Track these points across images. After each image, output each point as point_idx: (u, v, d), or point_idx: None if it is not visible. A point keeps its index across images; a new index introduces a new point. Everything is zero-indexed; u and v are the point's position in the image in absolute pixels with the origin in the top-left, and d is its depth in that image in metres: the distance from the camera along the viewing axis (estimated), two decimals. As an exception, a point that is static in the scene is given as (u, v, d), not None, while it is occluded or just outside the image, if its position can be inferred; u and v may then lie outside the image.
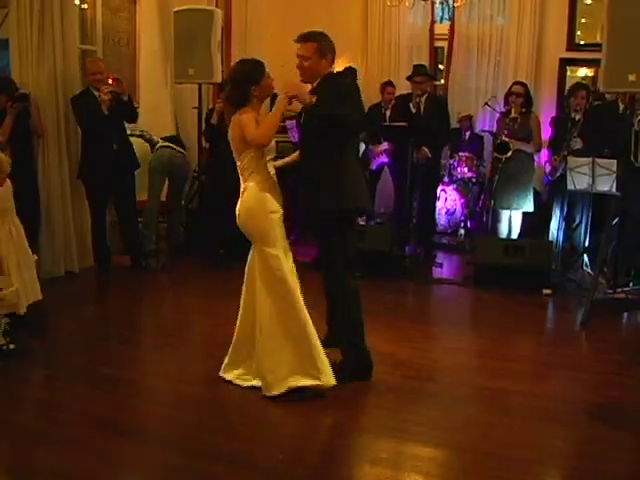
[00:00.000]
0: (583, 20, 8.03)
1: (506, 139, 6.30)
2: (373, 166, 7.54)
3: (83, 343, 4.40)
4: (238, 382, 3.75)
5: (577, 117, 6.14)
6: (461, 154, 7.72)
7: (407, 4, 7.14)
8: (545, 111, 7.48)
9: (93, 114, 5.67)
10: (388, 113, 7.32)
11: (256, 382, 3.67)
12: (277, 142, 3.89)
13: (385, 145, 7.31)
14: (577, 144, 6.04)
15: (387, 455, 3.10)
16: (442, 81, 8.57)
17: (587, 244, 6.00)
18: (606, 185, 5.33)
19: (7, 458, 3.00)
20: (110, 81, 5.83)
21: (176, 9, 6.68)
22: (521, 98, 6.32)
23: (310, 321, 3.61)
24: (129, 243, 6.24)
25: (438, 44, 8.55)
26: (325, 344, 3.96)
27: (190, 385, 3.80)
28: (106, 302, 5.53)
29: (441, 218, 7.77)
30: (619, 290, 5.47)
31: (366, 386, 3.82)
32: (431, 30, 8.45)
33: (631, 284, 5.58)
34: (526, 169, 6.41)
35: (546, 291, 5.73)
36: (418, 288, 6.17)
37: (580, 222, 6.24)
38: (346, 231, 3.78)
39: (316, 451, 3.14)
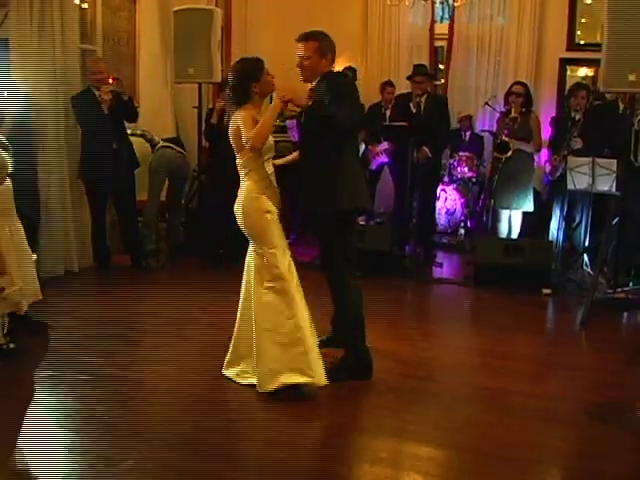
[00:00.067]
0: (583, 20, 8.03)
1: (506, 139, 6.30)
2: (373, 166, 7.53)
3: (83, 342, 4.39)
4: (238, 380, 3.77)
5: (577, 117, 6.14)
6: (461, 154, 7.71)
7: (407, 3, 7.14)
8: (545, 111, 7.48)
9: (93, 114, 5.66)
10: (388, 113, 7.32)
11: (254, 380, 3.69)
12: (277, 142, 3.90)
13: (385, 145, 7.30)
14: (577, 144, 6.04)
15: (387, 454, 3.10)
16: (442, 81, 8.57)
17: (587, 244, 6.00)
18: (606, 185, 5.33)
19: (7, 458, 3.00)
20: (110, 81, 5.83)
21: (176, 9, 6.68)
22: (521, 98, 6.32)
23: (307, 320, 3.63)
24: (129, 243, 6.24)
25: (438, 44, 8.55)
26: (327, 343, 3.98)
27: (190, 385, 3.80)
28: (106, 301, 5.52)
29: (441, 218, 7.77)
30: (619, 290, 5.47)
31: (366, 385, 3.83)
32: (431, 30, 8.44)
33: (631, 284, 5.58)
34: (526, 169, 6.41)
35: (546, 291, 5.73)
36: (418, 288, 6.17)
37: (580, 222, 6.24)
38: (346, 231, 3.78)
39: (316, 450, 3.14)
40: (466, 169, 7.67)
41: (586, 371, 4.15)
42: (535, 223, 6.74)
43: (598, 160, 5.36)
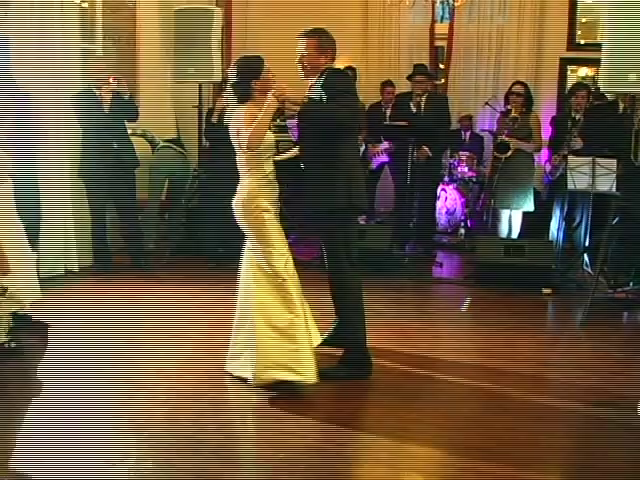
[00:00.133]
0: (583, 20, 8.03)
1: (506, 139, 6.30)
2: (373, 165, 7.54)
3: (83, 342, 4.39)
4: (237, 374, 3.80)
5: (577, 117, 6.14)
6: (461, 153, 7.72)
7: (407, 3, 7.15)
8: (545, 111, 7.48)
9: (94, 113, 5.66)
10: (388, 112, 7.32)
11: (249, 374, 3.72)
12: (278, 141, 3.90)
13: (385, 144, 7.31)
14: (577, 144, 6.04)
15: (387, 454, 3.10)
16: (442, 80, 8.57)
17: (587, 244, 6.00)
18: (606, 185, 5.33)
19: (7, 458, 3.00)
20: (111, 80, 5.83)
21: (176, 8, 6.70)
22: (521, 98, 6.32)
23: (302, 317, 3.66)
24: (129, 242, 6.24)
25: (438, 43, 8.54)
26: (328, 342, 3.99)
27: (190, 384, 3.80)
28: (106, 301, 5.52)
29: (441, 217, 7.77)
30: (619, 290, 5.47)
31: (366, 385, 3.83)
32: (431, 29, 8.44)
33: (631, 284, 5.58)
34: (526, 169, 6.42)
35: (546, 291, 5.73)
36: (418, 287, 6.17)
37: (580, 222, 6.24)
38: (345, 229, 3.79)
39: (316, 450, 3.14)
40: (466, 169, 7.67)
41: (586, 371, 4.15)
42: (535, 223, 6.74)
43: (598, 160, 5.35)
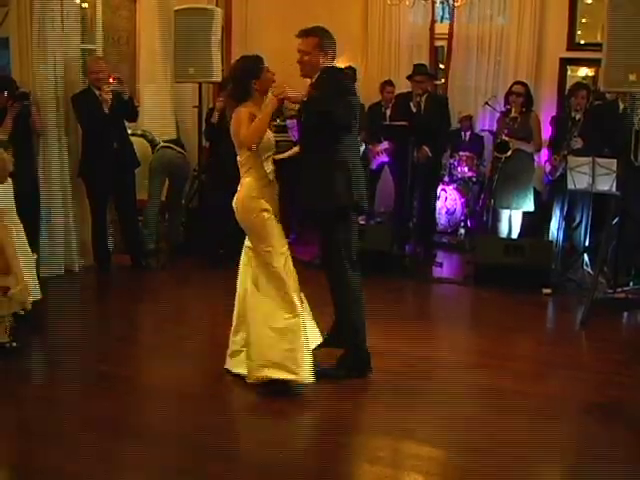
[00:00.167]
0: (583, 20, 8.02)
1: (506, 138, 6.30)
2: (373, 165, 7.54)
3: (83, 342, 4.39)
4: (236, 371, 3.81)
5: (577, 117, 6.13)
6: (461, 153, 7.71)
7: (407, 3, 7.14)
8: (545, 111, 7.47)
9: (94, 113, 5.66)
10: (388, 112, 7.32)
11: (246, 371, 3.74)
12: (277, 141, 3.91)
13: (385, 144, 7.30)
14: (577, 144, 6.03)
15: (386, 454, 3.10)
16: (442, 80, 8.57)
17: (587, 244, 6.00)
18: (606, 185, 5.33)
19: (7, 457, 3.00)
20: (111, 80, 5.82)
21: (176, 8, 6.68)
22: (521, 98, 6.32)
23: (300, 317, 3.67)
24: (129, 242, 6.23)
25: (438, 43, 8.53)
26: (327, 342, 4.00)
27: (190, 384, 3.81)
28: (106, 301, 5.53)
29: (441, 217, 7.77)
30: (619, 290, 5.46)
31: (366, 385, 3.83)
32: (431, 29, 8.43)
33: (631, 284, 5.57)
34: (526, 168, 6.41)
35: (546, 290, 5.73)
36: (418, 287, 6.17)
37: (580, 222, 6.24)
38: (345, 228, 3.79)
39: (316, 450, 3.14)
40: (466, 169, 7.66)
41: (586, 371, 4.15)
42: (535, 223, 6.74)
43: (598, 160, 5.35)
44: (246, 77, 3.67)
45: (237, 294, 3.85)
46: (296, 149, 4.00)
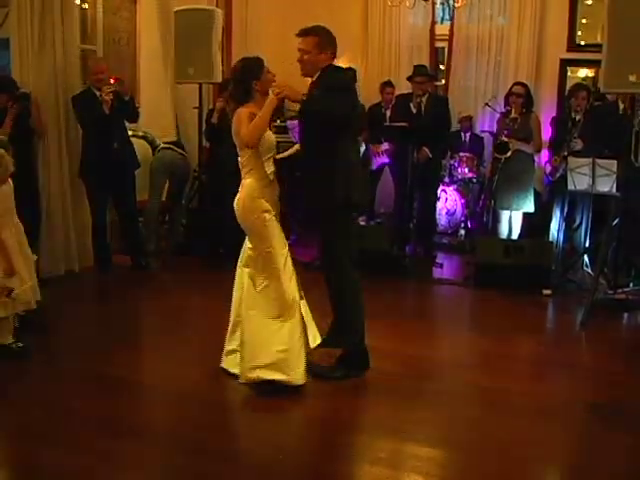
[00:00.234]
0: (584, 20, 8.03)
1: (505, 139, 6.30)
2: (374, 166, 7.54)
3: (83, 342, 4.40)
4: (232, 371, 3.83)
5: (577, 117, 6.13)
6: (462, 154, 7.72)
7: (407, 4, 7.14)
8: (545, 111, 7.48)
9: (94, 113, 5.66)
10: (388, 113, 7.32)
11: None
12: (278, 142, 3.91)
13: (385, 145, 7.31)
14: (577, 145, 6.04)
15: (387, 454, 3.10)
16: (442, 81, 8.58)
17: (587, 244, 6.00)
18: (606, 186, 5.33)
19: (7, 457, 3.00)
20: (112, 81, 5.83)
21: (176, 9, 6.69)
22: (521, 98, 6.32)
23: (297, 319, 3.68)
24: (129, 243, 6.23)
25: (438, 44, 8.54)
26: (327, 343, 4.00)
27: (190, 385, 3.80)
28: (106, 301, 5.53)
29: (441, 218, 7.77)
30: (619, 290, 5.46)
31: (366, 385, 3.83)
32: (431, 30, 8.44)
33: (631, 285, 5.57)
34: (526, 169, 6.41)
35: (546, 291, 5.73)
36: (418, 288, 6.18)
37: (580, 223, 6.24)
38: (345, 227, 3.79)
39: (316, 450, 3.14)
40: (466, 170, 7.67)
41: (586, 371, 4.16)
42: (535, 224, 6.74)
43: (598, 161, 5.35)
44: (247, 78, 3.69)
45: (234, 293, 3.87)
46: (297, 147, 4.01)
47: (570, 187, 5.57)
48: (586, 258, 5.87)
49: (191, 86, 7.03)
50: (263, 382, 3.61)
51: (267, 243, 3.68)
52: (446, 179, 7.76)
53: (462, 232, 7.73)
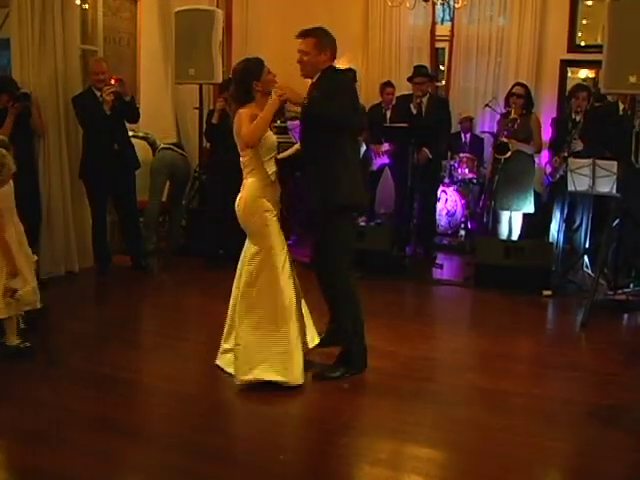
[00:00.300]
0: (584, 21, 8.03)
1: (505, 140, 6.30)
2: (374, 166, 7.54)
3: (83, 343, 4.40)
4: (227, 370, 3.84)
5: (578, 118, 6.13)
6: (462, 155, 7.72)
7: (408, 5, 7.14)
8: (546, 112, 7.48)
9: (94, 114, 5.66)
10: (388, 114, 7.32)
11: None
12: (279, 142, 3.92)
13: (386, 146, 7.31)
14: (578, 145, 6.04)
15: (387, 456, 3.10)
16: (443, 82, 8.58)
17: (587, 245, 6.00)
18: (607, 186, 5.33)
19: (8, 458, 3.00)
20: (113, 81, 5.83)
21: (177, 9, 6.69)
22: (521, 99, 6.32)
23: (294, 318, 3.70)
24: (130, 243, 6.23)
25: (439, 45, 8.55)
26: (324, 342, 4.01)
27: (190, 385, 3.81)
28: (106, 302, 5.53)
29: (442, 219, 7.77)
30: (619, 291, 5.46)
31: (365, 386, 3.83)
32: (432, 31, 8.45)
33: (631, 285, 5.57)
34: (526, 170, 6.41)
35: (546, 292, 5.73)
36: (418, 288, 6.17)
37: (580, 223, 6.24)
38: (345, 228, 3.80)
39: (316, 451, 3.14)
40: (467, 170, 7.67)
41: (586, 372, 4.15)
42: (535, 224, 6.74)
43: (599, 162, 5.35)
44: (247, 79, 3.70)
45: (233, 292, 3.88)
46: (297, 147, 4.02)
47: (570, 188, 5.56)
48: (586, 259, 5.86)
49: (191, 86, 7.04)
50: (260, 383, 3.62)
51: (268, 243, 3.69)
52: (446, 180, 7.77)
53: (462, 233, 7.74)
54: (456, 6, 7.60)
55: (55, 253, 5.77)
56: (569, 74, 8.17)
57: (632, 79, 4.89)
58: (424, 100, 6.67)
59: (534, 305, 5.57)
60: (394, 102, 7.28)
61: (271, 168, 3.76)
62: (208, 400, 3.66)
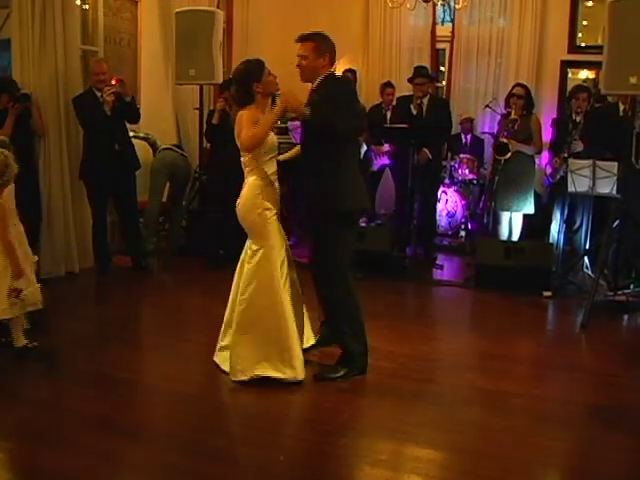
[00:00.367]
0: (584, 22, 8.04)
1: (505, 140, 6.30)
2: (375, 167, 7.55)
3: (83, 343, 4.40)
4: (223, 367, 3.86)
5: (578, 119, 6.13)
6: (462, 156, 7.72)
7: (408, 6, 7.15)
8: (546, 113, 7.49)
9: (95, 114, 5.66)
10: (389, 114, 7.33)
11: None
12: (279, 143, 3.93)
13: (386, 147, 7.32)
14: (578, 146, 6.04)
15: (387, 456, 3.10)
16: (443, 83, 8.58)
17: (588, 246, 6.00)
18: (607, 187, 5.33)
19: (8, 457, 3.00)
20: (114, 82, 5.83)
21: (177, 10, 6.70)
22: (522, 100, 6.32)
23: (292, 316, 3.72)
24: (130, 244, 6.24)
25: (439, 46, 8.55)
26: (322, 343, 4.02)
27: (190, 385, 3.81)
28: (106, 302, 5.53)
29: (442, 220, 7.78)
30: (619, 292, 5.46)
31: (366, 387, 3.83)
32: (432, 32, 8.45)
33: (631, 286, 5.58)
34: (526, 171, 6.41)
35: (546, 293, 5.73)
36: (418, 289, 6.17)
37: (581, 224, 6.24)
38: (346, 232, 3.80)
39: (316, 452, 3.14)
40: (467, 171, 7.67)
41: (586, 373, 4.15)
42: (536, 225, 6.74)
43: (599, 162, 5.35)
44: (248, 80, 3.72)
45: (232, 291, 3.90)
46: (297, 149, 4.03)
47: (570, 189, 5.56)
48: (586, 260, 5.87)
49: (192, 87, 7.04)
50: (260, 379, 3.65)
51: (267, 241, 3.72)
52: (446, 180, 7.77)
53: (462, 233, 7.74)
54: (456, 7, 7.61)
55: (55, 253, 5.78)
56: (569, 75, 8.18)
57: (632, 80, 4.89)
58: (424, 101, 6.67)
59: (534, 306, 5.57)
60: (394, 103, 7.29)
61: (271, 168, 3.78)
62: (208, 400, 3.66)
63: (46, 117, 5.68)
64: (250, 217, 3.73)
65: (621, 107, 6.25)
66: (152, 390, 3.82)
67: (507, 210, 6.49)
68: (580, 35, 8.02)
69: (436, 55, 8.56)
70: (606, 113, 6.40)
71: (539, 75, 8.05)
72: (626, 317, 5.34)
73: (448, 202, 7.77)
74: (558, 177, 6.22)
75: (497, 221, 6.60)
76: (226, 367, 3.82)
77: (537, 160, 6.73)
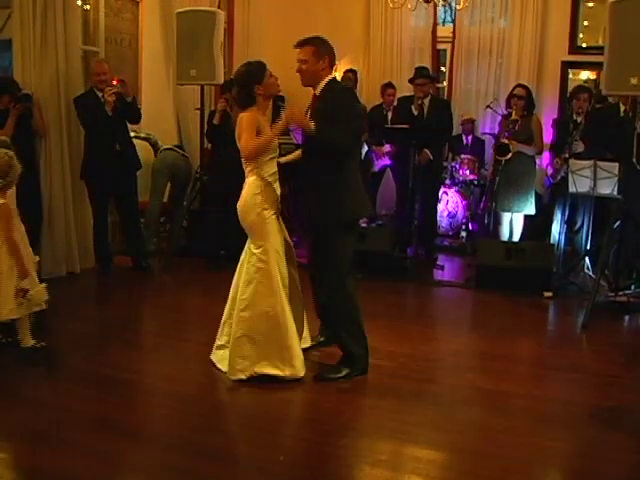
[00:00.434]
0: (585, 23, 8.04)
1: (505, 141, 6.30)
2: (376, 168, 7.55)
3: (84, 343, 4.40)
4: (219, 366, 3.89)
5: (579, 120, 6.13)
6: (463, 156, 7.72)
7: (409, 6, 7.15)
8: (547, 114, 7.49)
9: (96, 115, 5.67)
10: (390, 115, 7.33)
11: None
12: (280, 144, 3.93)
13: (387, 147, 7.32)
14: (579, 147, 6.03)
15: (387, 456, 3.10)
16: (444, 83, 8.58)
17: (589, 247, 5.99)
18: (608, 188, 5.33)
19: (9, 458, 3.00)
20: (114, 82, 5.84)
21: (178, 10, 6.71)
22: (523, 101, 6.32)
23: (291, 316, 3.73)
24: (131, 244, 6.24)
25: (440, 46, 8.55)
26: (321, 342, 4.02)
27: (190, 386, 3.81)
28: (107, 303, 5.54)
29: (443, 220, 7.78)
30: (620, 293, 5.46)
31: (366, 387, 3.83)
32: (433, 32, 8.45)
33: (632, 287, 5.57)
34: (527, 171, 6.41)
35: (547, 294, 5.73)
36: (419, 290, 6.17)
37: (582, 225, 6.23)
38: (347, 239, 3.82)
39: (316, 452, 3.14)
40: (468, 172, 7.67)
41: (587, 374, 4.15)
42: (536, 226, 6.74)
43: (600, 163, 5.35)
44: (249, 82, 3.72)
45: (232, 290, 3.90)
46: (298, 152, 4.04)
47: (571, 189, 5.56)
48: (587, 260, 5.86)
49: (193, 87, 7.04)
50: (260, 377, 3.66)
51: (267, 241, 3.73)
52: (447, 181, 7.77)
53: (463, 234, 7.74)
54: (457, 7, 7.60)
55: (56, 253, 5.78)
56: (570, 75, 8.17)
57: (633, 80, 4.89)
58: (425, 101, 6.67)
59: (535, 306, 5.57)
60: (395, 103, 7.29)
61: (272, 169, 3.79)
62: (209, 400, 3.67)
63: (47, 117, 5.69)
64: (249, 217, 3.74)
65: (622, 108, 6.25)
66: (152, 390, 3.82)
67: (508, 211, 6.49)
68: (581, 36, 8.01)
69: (437, 56, 8.56)
70: (607, 114, 6.40)
71: (540, 76, 8.05)
72: (627, 318, 5.33)
73: (449, 203, 7.77)
74: (559, 178, 6.22)
75: (498, 222, 6.60)
76: (222, 366, 3.84)
77: (538, 161, 6.73)
